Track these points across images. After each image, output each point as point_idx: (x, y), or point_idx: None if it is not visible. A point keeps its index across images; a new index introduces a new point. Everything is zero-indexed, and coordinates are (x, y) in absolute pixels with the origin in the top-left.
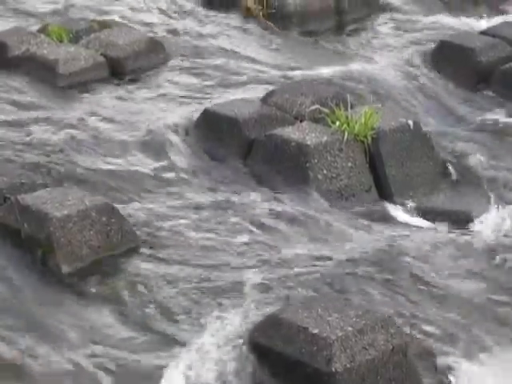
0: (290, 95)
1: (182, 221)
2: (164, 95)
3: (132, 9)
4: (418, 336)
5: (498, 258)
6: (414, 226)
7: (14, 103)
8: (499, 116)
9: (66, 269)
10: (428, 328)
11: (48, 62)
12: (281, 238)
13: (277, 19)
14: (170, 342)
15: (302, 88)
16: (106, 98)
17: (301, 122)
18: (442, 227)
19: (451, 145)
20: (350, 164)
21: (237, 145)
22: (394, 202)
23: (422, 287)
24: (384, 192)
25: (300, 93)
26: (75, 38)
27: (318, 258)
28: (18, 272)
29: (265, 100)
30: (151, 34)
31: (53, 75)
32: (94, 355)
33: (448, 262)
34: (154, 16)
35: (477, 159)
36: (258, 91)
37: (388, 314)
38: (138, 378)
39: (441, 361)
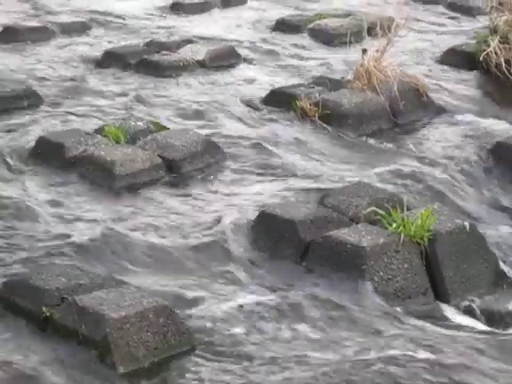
0: (346, 197)
1: (238, 323)
2: (220, 196)
3: (187, 109)
4: None
5: None
6: (470, 328)
7: (71, 204)
8: None
9: (122, 369)
10: None
11: (105, 163)
12: (336, 339)
13: (332, 120)
14: None
15: (358, 190)
16: (162, 199)
17: (357, 223)
18: (499, 329)
19: (506, 244)
20: (406, 265)
21: (293, 246)
22: (451, 304)
23: None
24: (440, 294)
25: (356, 194)
26: (132, 139)
27: (368, 362)
28: (77, 371)
29: (321, 201)
30: (207, 136)
31: (109, 176)
32: None
33: (502, 366)
34: (209, 117)
35: None
36: (314, 192)
37: None
38: None
39: None
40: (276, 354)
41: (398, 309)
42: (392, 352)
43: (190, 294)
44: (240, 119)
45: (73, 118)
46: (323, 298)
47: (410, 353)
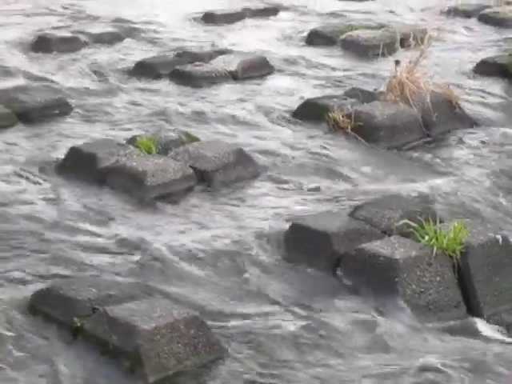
0: (379, 209)
1: (269, 336)
2: (252, 208)
3: (220, 122)
4: None
5: None
6: (502, 341)
7: (101, 214)
8: None
9: (152, 380)
10: None
11: (136, 174)
12: (368, 351)
13: (364, 132)
14: None
15: (391, 202)
16: (194, 210)
17: (389, 236)
18: None
19: None
20: (438, 278)
21: (326, 258)
22: (483, 318)
23: None
24: (472, 307)
25: (388, 207)
26: (164, 150)
27: (402, 373)
28: (107, 382)
29: (353, 213)
30: (239, 147)
31: (141, 187)
32: None
33: None
34: (242, 128)
35: None
36: (346, 204)
37: None
38: None
39: None
40: (308, 371)
41: (430, 322)
42: (424, 364)
43: (220, 306)
44: (272, 130)
45: (104, 128)
46: (356, 311)
47: (442, 367)
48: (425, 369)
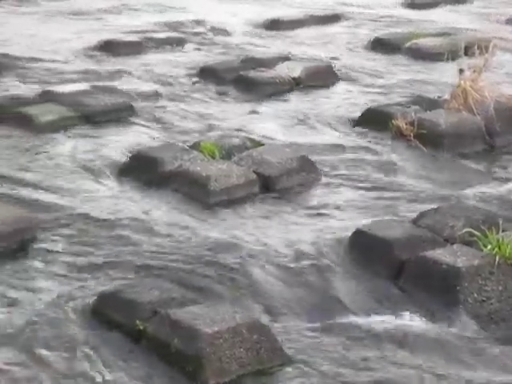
0: (441, 217)
1: (330, 341)
2: (315, 214)
3: (283, 127)
4: None
5: None
6: None
7: (164, 218)
8: None
9: None
10: None
11: (200, 179)
12: (432, 359)
13: (427, 140)
14: None
15: (453, 210)
16: (257, 215)
17: (452, 244)
18: None
19: None
20: (500, 288)
21: (388, 265)
22: None
23: None
24: None
25: (451, 215)
26: (227, 155)
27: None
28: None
29: (416, 221)
30: (303, 153)
31: (204, 192)
32: None
33: None
34: (305, 134)
35: None
36: (409, 211)
37: None
38: None
39: None
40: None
41: (492, 331)
42: (487, 375)
43: (283, 310)
44: (335, 137)
45: (168, 132)
46: (417, 319)
47: (504, 378)
48: (485, 378)
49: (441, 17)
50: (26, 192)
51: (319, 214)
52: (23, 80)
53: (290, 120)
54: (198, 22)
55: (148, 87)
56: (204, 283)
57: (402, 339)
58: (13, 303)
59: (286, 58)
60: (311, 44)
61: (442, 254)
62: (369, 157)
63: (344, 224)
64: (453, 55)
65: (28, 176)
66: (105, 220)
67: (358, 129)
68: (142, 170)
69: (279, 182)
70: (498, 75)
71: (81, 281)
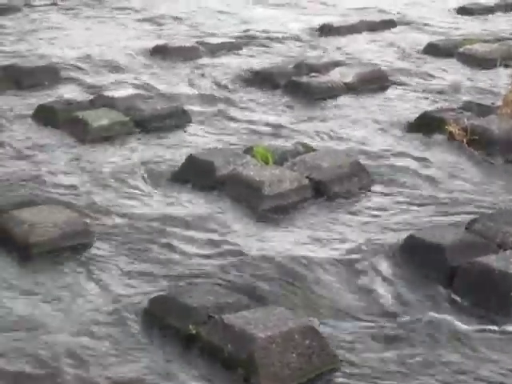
0: (494, 223)
1: (379, 346)
2: (366, 219)
3: (336, 132)
4: None
5: None
6: None
7: (217, 223)
8: None
9: None
10: None
11: (253, 183)
12: (486, 368)
13: (480, 145)
14: None
15: (506, 216)
16: (309, 220)
17: (505, 250)
18: None
19: None
20: None
21: (440, 270)
22: None
23: None
24: None
25: (504, 221)
26: (280, 160)
27: None
28: None
29: (468, 227)
30: (355, 158)
31: (257, 197)
32: None
33: None
34: (357, 140)
35: None
36: (461, 217)
37: None
38: None
39: None
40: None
41: None
42: None
43: (335, 314)
44: (388, 143)
45: (221, 137)
46: (470, 324)
47: None
48: None
49: (494, 23)
50: (80, 197)
51: (371, 219)
52: (78, 84)
53: (343, 125)
54: (252, 28)
55: (201, 91)
56: (256, 288)
57: (455, 342)
58: (64, 307)
59: (338, 64)
60: (364, 49)
61: (495, 260)
62: (421, 162)
63: (395, 230)
64: (505, 61)
65: (80, 180)
66: (158, 225)
67: (410, 133)
68: (195, 175)
69: (331, 187)
70: None
71: (133, 285)
